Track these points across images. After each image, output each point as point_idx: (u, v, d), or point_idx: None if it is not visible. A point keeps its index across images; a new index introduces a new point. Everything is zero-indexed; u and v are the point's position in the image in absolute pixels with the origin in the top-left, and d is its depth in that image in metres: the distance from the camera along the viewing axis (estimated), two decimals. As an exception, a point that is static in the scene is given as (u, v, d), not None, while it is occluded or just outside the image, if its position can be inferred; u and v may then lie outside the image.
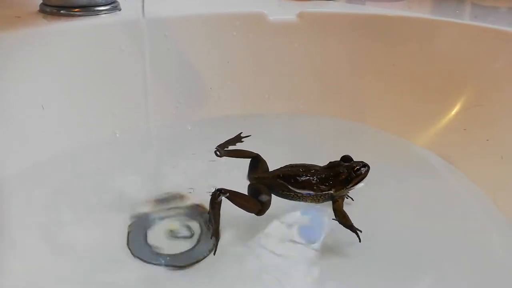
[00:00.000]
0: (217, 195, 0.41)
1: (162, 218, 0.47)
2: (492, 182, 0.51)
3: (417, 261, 0.43)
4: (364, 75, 0.65)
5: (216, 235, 0.41)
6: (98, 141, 0.57)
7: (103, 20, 0.60)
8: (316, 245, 0.44)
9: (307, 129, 0.62)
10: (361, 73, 0.65)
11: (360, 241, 0.42)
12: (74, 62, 0.58)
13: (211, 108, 0.63)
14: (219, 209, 0.41)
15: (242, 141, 0.47)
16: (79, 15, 0.60)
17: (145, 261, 0.42)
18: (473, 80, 0.59)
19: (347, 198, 0.47)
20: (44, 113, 0.55)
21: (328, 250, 0.43)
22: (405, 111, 0.61)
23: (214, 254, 0.41)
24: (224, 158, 0.46)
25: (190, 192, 0.49)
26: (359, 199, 0.47)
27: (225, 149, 0.46)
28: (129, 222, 0.46)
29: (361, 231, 0.42)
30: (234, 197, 0.41)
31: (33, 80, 0.55)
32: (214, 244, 0.41)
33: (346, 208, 0.43)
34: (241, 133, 0.48)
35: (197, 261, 0.42)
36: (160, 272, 0.41)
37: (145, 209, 0.48)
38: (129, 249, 0.43)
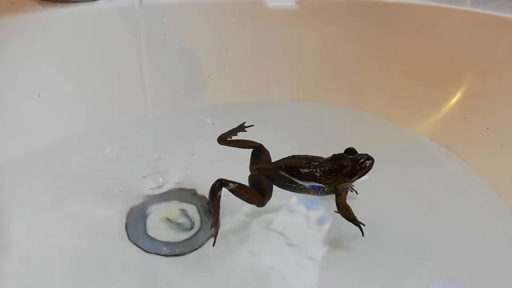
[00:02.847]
0: (217, 186, 0.41)
1: (160, 207, 0.47)
2: (492, 170, 0.51)
3: (419, 251, 0.43)
4: (364, 62, 0.64)
5: (215, 226, 0.41)
6: (94, 129, 0.56)
7: (99, 6, 0.59)
8: (319, 238, 0.44)
9: (307, 117, 0.62)
10: (361, 60, 0.64)
11: (363, 235, 0.41)
12: (70, 49, 0.57)
13: (210, 96, 0.62)
14: (219, 200, 0.41)
15: (245, 131, 0.47)
16: (75, 1, 0.59)
17: (143, 250, 0.42)
18: (474, 67, 0.59)
19: (351, 191, 0.46)
20: (40, 101, 0.55)
21: (331, 243, 0.43)
22: (405, 99, 0.61)
23: (213, 245, 0.41)
24: (225, 147, 0.46)
25: (189, 182, 0.49)
26: (360, 189, 0.47)
27: (228, 138, 0.46)
28: (127, 211, 0.46)
29: (364, 225, 0.41)
30: (235, 188, 0.41)
31: (28, 68, 0.55)
32: (213, 235, 0.41)
33: (349, 202, 0.42)
34: (244, 122, 0.47)
35: (195, 249, 0.42)
36: (157, 259, 0.41)
37: (143, 197, 0.48)
38: (128, 236, 0.44)
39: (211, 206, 0.41)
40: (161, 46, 0.59)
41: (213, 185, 0.41)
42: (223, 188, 0.41)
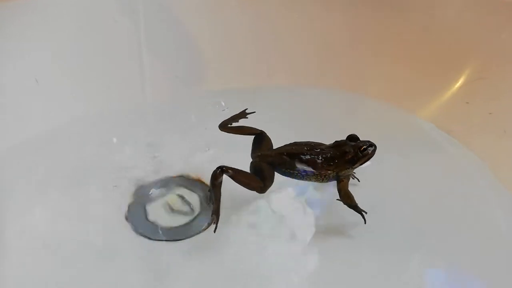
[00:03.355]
0: (218, 173, 0.40)
1: (161, 194, 0.47)
2: (494, 155, 0.51)
3: (421, 236, 0.43)
4: (365, 46, 0.63)
5: (216, 213, 0.41)
6: (92, 115, 0.55)
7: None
8: (320, 225, 0.43)
9: (308, 102, 0.61)
10: (363, 44, 0.63)
11: (365, 222, 0.41)
12: (68, 34, 0.56)
13: (210, 81, 0.61)
14: (220, 187, 0.41)
15: (246, 117, 0.46)
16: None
17: (144, 236, 0.43)
18: (477, 52, 0.58)
19: (353, 178, 0.46)
20: (38, 86, 0.54)
21: (332, 230, 0.43)
22: (407, 83, 0.60)
23: (214, 231, 0.41)
24: (227, 134, 0.45)
25: (190, 169, 0.49)
26: (361, 176, 0.46)
27: (229, 125, 0.45)
28: (128, 198, 0.46)
29: (366, 212, 0.41)
30: (236, 174, 0.41)
31: (25, 53, 0.54)
32: (214, 222, 0.41)
33: (351, 189, 0.42)
34: (246, 109, 0.47)
35: (195, 235, 0.42)
36: (157, 244, 0.42)
37: (143, 184, 0.48)
38: (128, 222, 0.44)
39: (212, 193, 0.41)
40: (159, 30, 0.58)
41: (214, 171, 0.40)
42: (224, 175, 0.40)
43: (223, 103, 0.54)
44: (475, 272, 0.41)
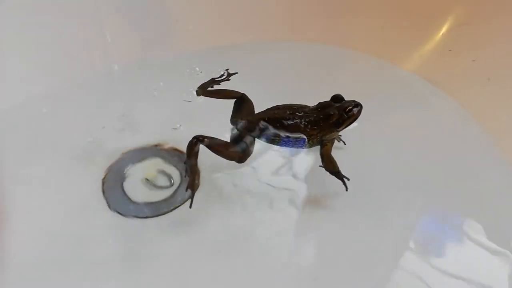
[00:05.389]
0: (194, 143, 0.38)
1: (137, 167, 0.45)
2: (479, 104, 0.50)
3: (408, 190, 0.43)
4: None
5: (192, 186, 0.39)
6: (55, 89, 0.51)
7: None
8: (302, 195, 0.42)
9: (288, 58, 0.58)
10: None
11: (346, 190, 0.39)
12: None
13: (180, 42, 0.57)
14: (196, 158, 0.39)
15: (228, 79, 0.43)
16: None
17: (120, 213, 0.41)
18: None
19: (339, 141, 0.44)
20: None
21: (315, 199, 0.41)
22: (389, 33, 0.58)
23: (190, 206, 0.39)
24: (204, 99, 0.42)
25: (166, 139, 0.46)
26: (347, 138, 0.45)
27: (208, 89, 0.42)
28: (103, 173, 0.44)
29: (348, 179, 0.39)
30: (213, 144, 0.39)
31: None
32: (190, 196, 0.39)
33: (336, 153, 0.40)
34: (227, 69, 0.43)
35: (171, 210, 0.41)
36: (133, 220, 0.40)
37: (119, 157, 0.45)
38: (105, 198, 0.42)
39: (188, 165, 0.39)
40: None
41: (189, 142, 0.38)
42: (201, 145, 0.38)
43: (197, 68, 0.50)
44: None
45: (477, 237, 0.39)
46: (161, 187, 0.43)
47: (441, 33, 0.56)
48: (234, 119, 0.42)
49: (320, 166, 0.40)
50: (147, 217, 0.41)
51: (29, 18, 0.52)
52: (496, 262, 0.38)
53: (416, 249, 0.39)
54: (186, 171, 0.40)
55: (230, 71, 0.44)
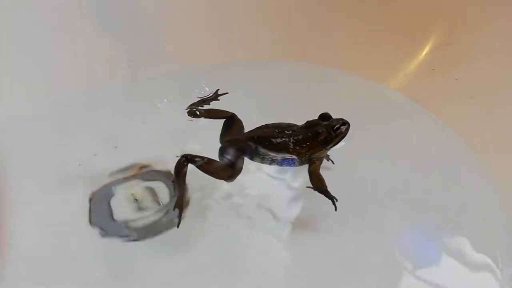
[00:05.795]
0: (182, 162, 0.38)
1: (124, 187, 0.44)
2: (462, 121, 0.51)
3: (394, 208, 0.43)
4: (330, 16, 0.60)
5: (180, 206, 0.38)
6: (40, 110, 0.51)
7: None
8: (291, 215, 0.42)
9: (275, 77, 0.58)
10: (328, 15, 0.61)
11: (336, 209, 0.39)
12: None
13: (168, 62, 0.57)
14: (184, 177, 0.38)
15: (218, 100, 0.43)
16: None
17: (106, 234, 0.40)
18: (442, 17, 0.57)
19: (328, 160, 0.44)
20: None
21: (303, 219, 0.42)
22: (374, 53, 0.58)
23: (177, 226, 0.38)
24: (190, 118, 0.42)
25: (153, 159, 0.46)
26: (335, 157, 0.45)
27: (197, 109, 0.43)
28: (89, 194, 0.43)
29: (337, 200, 0.39)
30: (202, 163, 0.38)
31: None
32: (177, 216, 0.38)
33: (325, 172, 0.40)
34: (218, 90, 0.44)
35: (159, 233, 0.40)
36: (121, 243, 0.40)
37: (106, 178, 0.45)
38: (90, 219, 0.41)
39: (175, 184, 0.39)
40: (106, 10, 0.54)
41: (178, 161, 0.38)
42: (190, 164, 0.38)
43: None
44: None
45: (465, 251, 0.40)
46: (149, 208, 0.42)
47: (424, 52, 0.57)
48: (223, 138, 0.41)
49: (307, 187, 0.40)
50: (135, 240, 0.40)
51: (14, 39, 0.52)
52: (483, 275, 0.38)
53: (406, 266, 0.39)
54: (174, 189, 0.39)
55: (219, 91, 0.45)
